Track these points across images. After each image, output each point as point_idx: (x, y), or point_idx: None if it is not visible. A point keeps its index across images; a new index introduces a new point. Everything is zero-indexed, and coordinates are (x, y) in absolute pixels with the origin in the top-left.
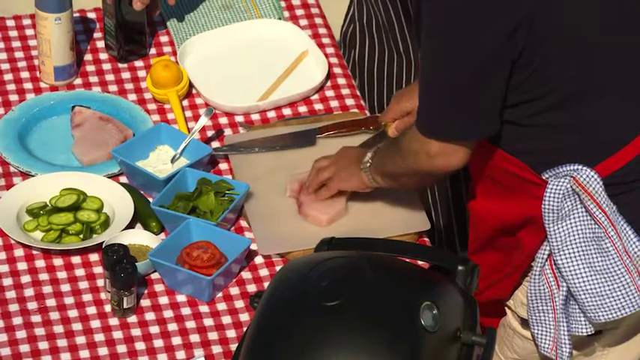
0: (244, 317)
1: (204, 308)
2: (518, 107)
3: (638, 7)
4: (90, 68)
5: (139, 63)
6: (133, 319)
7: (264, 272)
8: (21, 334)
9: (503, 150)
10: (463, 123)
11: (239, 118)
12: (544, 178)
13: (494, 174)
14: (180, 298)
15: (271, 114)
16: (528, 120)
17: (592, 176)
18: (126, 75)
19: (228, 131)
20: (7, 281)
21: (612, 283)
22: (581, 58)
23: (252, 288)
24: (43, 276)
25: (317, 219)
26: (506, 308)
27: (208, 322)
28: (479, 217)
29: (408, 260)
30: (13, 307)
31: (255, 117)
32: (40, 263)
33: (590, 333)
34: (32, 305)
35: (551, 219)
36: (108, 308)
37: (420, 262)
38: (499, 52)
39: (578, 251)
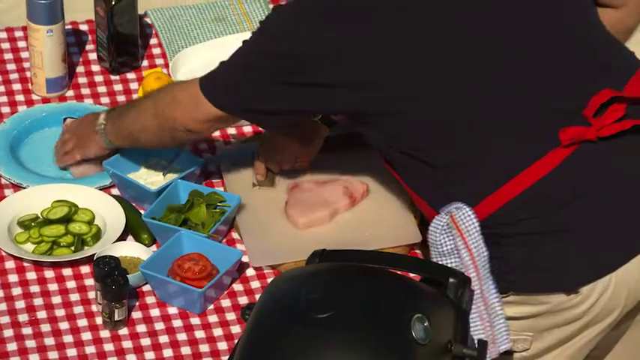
0: (235, 329)
1: (195, 320)
2: (397, 142)
3: (509, 43)
4: (82, 80)
5: (131, 75)
6: (124, 331)
7: (255, 284)
8: (12, 346)
9: (409, 187)
10: (235, 98)
11: (231, 130)
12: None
13: (418, 205)
14: (172, 310)
15: None
16: (407, 156)
17: (467, 215)
18: (118, 87)
19: (220, 143)
20: None
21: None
22: (451, 100)
23: (243, 300)
24: (34, 288)
25: (294, 220)
26: None
27: (199, 334)
28: None
29: (399, 272)
30: (4, 319)
31: (247, 129)
32: (31, 275)
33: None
34: (23, 317)
35: (434, 254)
36: (99, 320)
37: (411, 275)
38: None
39: None
